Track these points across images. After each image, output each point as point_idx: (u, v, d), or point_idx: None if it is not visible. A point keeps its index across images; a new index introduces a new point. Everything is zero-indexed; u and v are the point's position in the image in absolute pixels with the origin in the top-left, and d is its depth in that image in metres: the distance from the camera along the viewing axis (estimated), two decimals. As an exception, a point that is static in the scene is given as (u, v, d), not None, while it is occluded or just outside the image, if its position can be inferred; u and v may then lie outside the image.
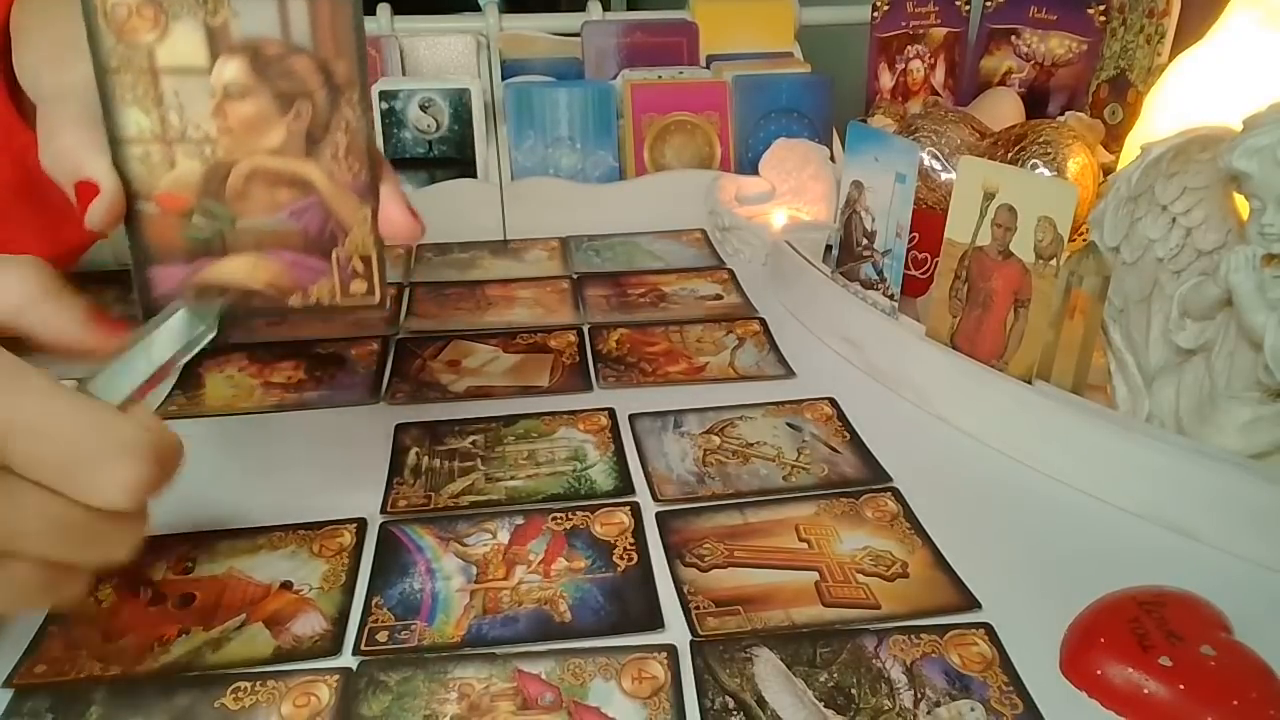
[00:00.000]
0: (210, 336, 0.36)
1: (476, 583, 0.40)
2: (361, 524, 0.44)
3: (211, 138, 0.37)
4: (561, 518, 0.44)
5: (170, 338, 0.35)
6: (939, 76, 0.87)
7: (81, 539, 0.30)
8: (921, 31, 0.87)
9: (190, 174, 0.37)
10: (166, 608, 0.39)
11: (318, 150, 0.38)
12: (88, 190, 0.37)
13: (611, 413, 0.53)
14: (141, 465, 0.29)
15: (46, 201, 0.49)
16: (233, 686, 0.35)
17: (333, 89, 0.37)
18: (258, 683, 0.35)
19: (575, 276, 0.72)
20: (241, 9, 0.35)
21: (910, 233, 0.54)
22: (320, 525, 0.44)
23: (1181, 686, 0.33)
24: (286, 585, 0.40)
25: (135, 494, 0.30)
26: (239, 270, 0.39)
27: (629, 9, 1.53)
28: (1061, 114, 0.75)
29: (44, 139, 0.40)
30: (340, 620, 0.38)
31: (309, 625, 0.38)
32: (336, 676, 0.35)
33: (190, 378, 0.57)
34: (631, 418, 0.53)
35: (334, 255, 0.39)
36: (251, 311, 0.39)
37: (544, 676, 0.35)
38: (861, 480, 0.48)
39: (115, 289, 0.67)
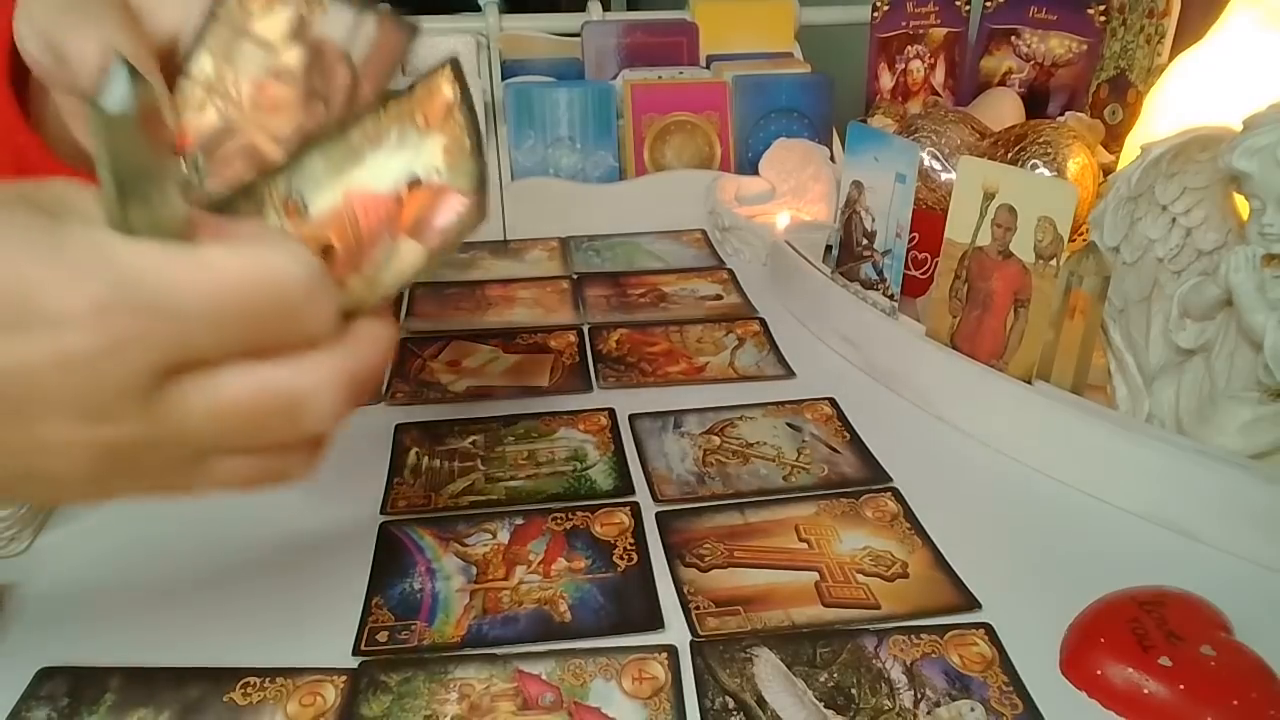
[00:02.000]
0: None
1: (476, 583, 0.40)
2: None
3: (240, 103, 0.38)
4: (561, 518, 0.44)
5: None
6: (939, 76, 0.87)
7: (282, 416, 0.28)
8: (921, 31, 0.87)
9: (207, 124, 0.39)
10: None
11: None
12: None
13: (611, 413, 0.53)
14: (331, 292, 0.27)
15: None
16: (242, 682, 0.35)
17: (350, 107, 0.38)
18: (266, 679, 0.35)
19: (575, 276, 0.72)
20: (332, 10, 0.38)
21: (910, 233, 0.54)
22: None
23: (1181, 686, 0.33)
24: (414, 183, 0.34)
25: (334, 319, 0.28)
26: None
27: (629, 9, 1.53)
28: (1061, 114, 0.75)
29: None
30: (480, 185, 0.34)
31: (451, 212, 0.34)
32: (344, 678, 0.35)
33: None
34: (631, 418, 0.53)
35: None
36: None
37: (544, 677, 0.35)
38: (861, 480, 0.48)
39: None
